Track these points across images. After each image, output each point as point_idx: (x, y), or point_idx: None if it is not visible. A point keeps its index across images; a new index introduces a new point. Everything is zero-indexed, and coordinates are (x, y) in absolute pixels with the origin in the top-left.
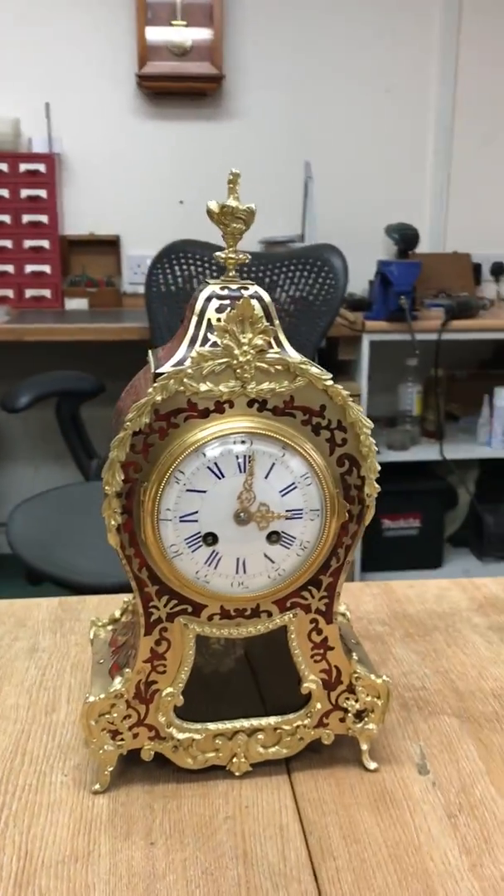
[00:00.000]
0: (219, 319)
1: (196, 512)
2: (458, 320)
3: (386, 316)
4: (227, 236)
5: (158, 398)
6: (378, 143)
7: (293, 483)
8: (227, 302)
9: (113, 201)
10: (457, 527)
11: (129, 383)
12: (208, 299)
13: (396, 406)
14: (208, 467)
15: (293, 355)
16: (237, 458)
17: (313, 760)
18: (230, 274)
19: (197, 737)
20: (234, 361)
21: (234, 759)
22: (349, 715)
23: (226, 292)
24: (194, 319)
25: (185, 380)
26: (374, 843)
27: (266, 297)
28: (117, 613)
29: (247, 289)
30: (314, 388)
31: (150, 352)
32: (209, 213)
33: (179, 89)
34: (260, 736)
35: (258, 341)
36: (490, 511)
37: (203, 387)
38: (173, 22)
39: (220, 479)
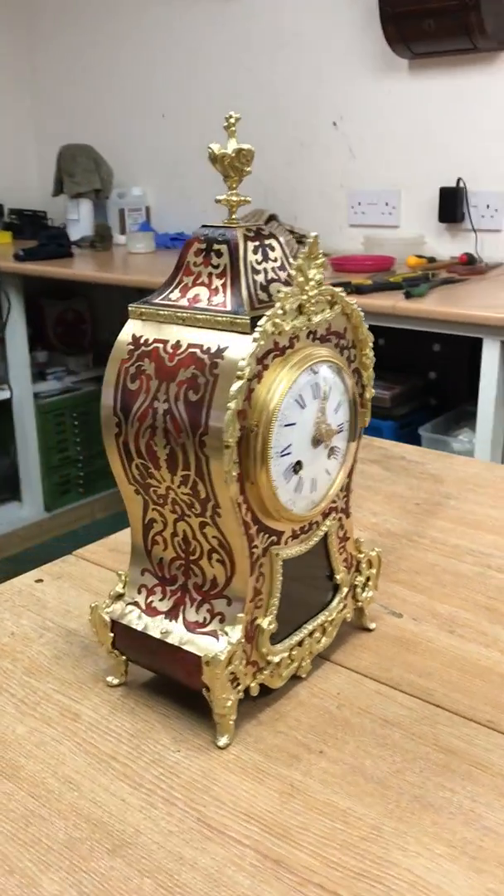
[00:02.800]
0: (258, 261)
1: (290, 445)
2: None
3: None
4: (233, 179)
5: (262, 343)
6: None
7: (340, 401)
8: (257, 243)
9: None
10: None
11: (119, 356)
12: (244, 241)
13: None
14: (295, 400)
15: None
16: (311, 386)
17: (331, 645)
18: (233, 217)
19: (284, 655)
20: (305, 297)
21: (303, 663)
22: (357, 590)
23: (252, 234)
24: (239, 263)
25: (276, 321)
26: (438, 669)
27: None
28: (120, 588)
29: (263, 229)
30: (342, 313)
31: (131, 307)
32: (220, 157)
33: None
34: (316, 634)
35: (318, 276)
36: None
37: (287, 325)
38: None
39: (303, 408)
